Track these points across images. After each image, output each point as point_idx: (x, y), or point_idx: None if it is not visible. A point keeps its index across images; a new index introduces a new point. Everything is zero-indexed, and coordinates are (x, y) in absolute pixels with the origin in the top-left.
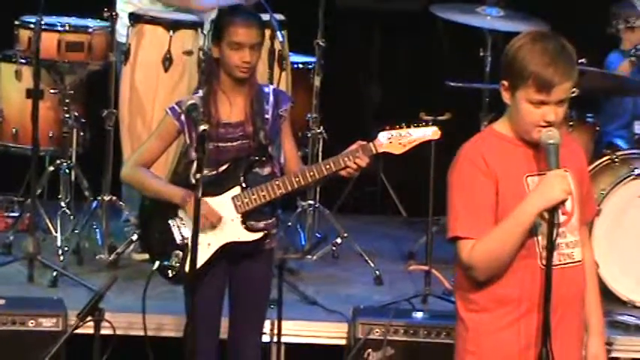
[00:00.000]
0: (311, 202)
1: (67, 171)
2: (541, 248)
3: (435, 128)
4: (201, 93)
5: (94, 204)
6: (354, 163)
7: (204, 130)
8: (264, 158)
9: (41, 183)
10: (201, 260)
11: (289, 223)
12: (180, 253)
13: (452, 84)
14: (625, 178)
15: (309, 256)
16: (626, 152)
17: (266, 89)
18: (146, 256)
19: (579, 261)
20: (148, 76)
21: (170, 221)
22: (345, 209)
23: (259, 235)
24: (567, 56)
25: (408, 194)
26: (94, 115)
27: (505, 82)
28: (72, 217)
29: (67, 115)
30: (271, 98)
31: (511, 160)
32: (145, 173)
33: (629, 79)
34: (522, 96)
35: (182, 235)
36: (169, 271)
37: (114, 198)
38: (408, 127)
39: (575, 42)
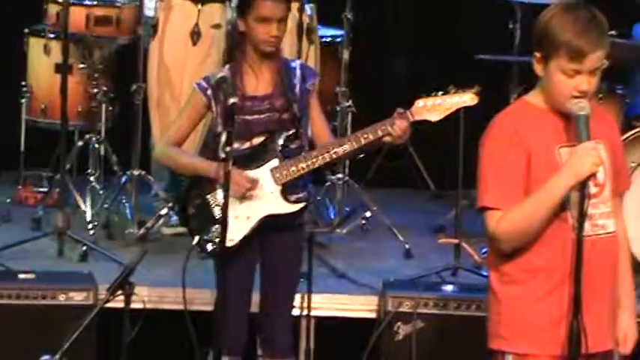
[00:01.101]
0: (340, 175)
1: (96, 146)
2: (573, 219)
3: (471, 94)
4: (228, 67)
5: (123, 178)
6: (397, 129)
7: (234, 103)
8: (301, 130)
9: (70, 158)
10: (240, 233)
11: (319, 197)
12: (220, 227)
13: (481, 57)
14: None
15: (339, 230)
16: None
17: (292, 64)
18: (176, 230)
19: (613, 232)
20: (176, 50)
21: (208, 196)
22: (375, 183)
23: (299, 206)
24: (598, 25)
25: (437, 168)
26: (123, 90)
27: (537, 54)
28: (101, 191)
29: (95, 90)
30: (298, 73)
31: (543, 131)
32: (177, 152)
33: None
34: (555, 66)
35: (221, 210)
36: (209, 245)
37: (143, 172)
38: (444, 94)
39: (604, 13)
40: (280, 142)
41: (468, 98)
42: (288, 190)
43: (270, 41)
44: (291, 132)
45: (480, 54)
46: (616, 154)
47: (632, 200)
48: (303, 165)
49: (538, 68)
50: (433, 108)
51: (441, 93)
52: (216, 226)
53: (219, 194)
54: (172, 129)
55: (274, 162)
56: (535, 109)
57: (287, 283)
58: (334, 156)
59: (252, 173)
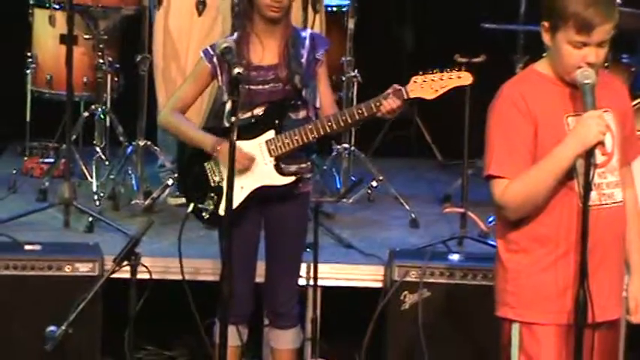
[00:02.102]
0: (346, 145)
1: (102, 116)
2: (580, 188)
3: (467, 74)
4: (235, 36)
5: (129, 149)
6: (387, 106)
7: (239, 72)
8: (299, 102)
9: (76, 129)
10: (234, 203)
11: (325, 167)
12: (215, 195)
13: (486, 26)
14: None
15: (345, 200)
16: None
17: (303, 33)
18: (181, 200)
19: (620, 201)
20: (181, 21)
21: (206, 164)
22: (381, 153)
23: (291, 179)
24: None
25: (443, 137)
26: (128, 61)
27: (545, 24)
28: (107, 162)
29: (101, 61)
30: (307, 42)
31: (551, 100)
32: (179, 119)
33: None
34: (563, 37)
35: (216, 178)
36: (204, 214)
37: (149, 143)
38: (441, 72)
39: None
40: (277, 114)
41: (464, 77)
42: (285, 160)
43: (274, 6)
44: (289, 103)
45: (485, 23)
46: (625, 122)
47: (637, 169)
48: (298, 138)
49: (546, 38)
50: (428, 86)
51: (437, 70)
52: (212, 194)
53: (217, 163)
54: (177, 95)
55: (270, 134)
56: (543, 78)
57: (291, 252)
58: (328, 130)
59: (248, 144)
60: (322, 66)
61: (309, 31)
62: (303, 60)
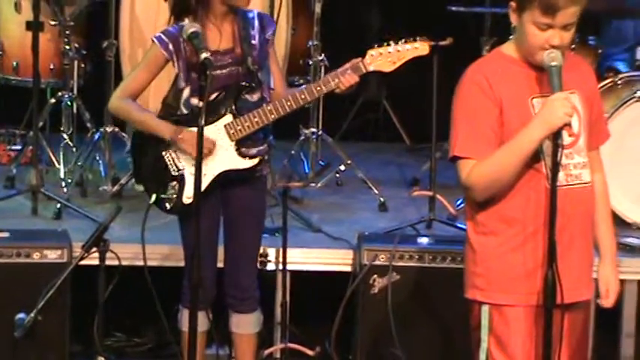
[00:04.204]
0: (314, 129)
1: (69, 103)
2: (547, 169)
3: (424, 43)
4: (187, 21)
5: (97, 135)
6: (345, 83)
7: (207, 57)
8: (253, 84)
9: (43, 116)
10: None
11: (292, 151)
12: (177, 184)
13: (453, 8)
14: (628, 101)
15: (313, 184)
16: (628, 75)
17: (250, 14)
18: None
19: (588, 182)
20: (148, 6)
21: (164, 153)
22: (349, 137)
23: (254, 161)
24: None
25: (411, 121)
26: (95, 47)
27: (513, 4)
28: (74, 149)
29: (67, 47)
30: (256, 23)
31: (517, 82)
32: (131, 105)
33: (628, 0)
34: (528, 18)
35: (177, 167)
36: (167, 204)
37: (116, 129)
38: (396, 43)
39: None
40: (233, 97)
41: (420, 47)
42: (244, 144)
43: None
44: (244, 85)
45: (452, 5)
46: (592, 105)
47: (603, 150)
48: (257, 120)
49: (513, 18)
50: (386, 59)
51: (392, 42)
52: (173, 183)
53: (176, 151)
54: (128, 80)
55: (228, 118)
56: (508, 60)
57: (251, 236)
58: (288, 109)
59: (206, 129)
60: (272, 46)
61: (255, 11)
62: (255, 41)
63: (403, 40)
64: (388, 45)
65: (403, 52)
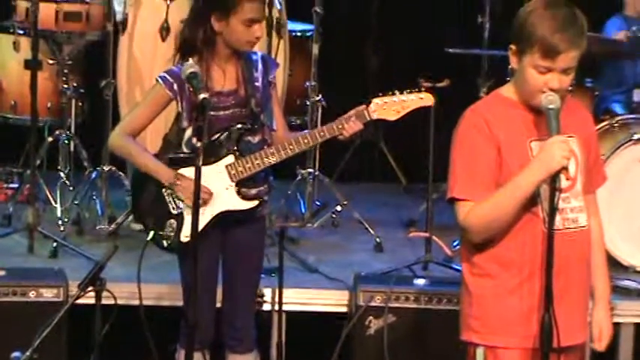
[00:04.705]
0: (310, 170)
1: (66, 141)
2: (544, 213)
3: (428, 94)
4: (191, 62)
5: (94, 174)
6: (348, 129)
7: (205, 98)
8: (255, 126)
9: (40, 154)
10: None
11: (289, 192)
12: (175, 222)
13: (451, 50)
14: (624, 143)
15: (310, 224)
16: (624, 117)
17: (254, 56)
18: None
19: (584, 226)
20: (145, 46)
21: (164, 190)
22: (345, 177)
23: (254, 203)
24: (576, 25)
25: (408, 161)
26: (93, 85)
27: (513, 46)
28: (71, 187)
29: (65, 86)
30: (260, 65)
31: (515, 124)
32: (132, 144)
33: (625, 43)
34: (528, 61)
35: (177, 205)
36: (164, 241)
37: (113, 168)
38: (401, 93)
39: (581, 8)
40: (235, 138)
41: (425, 98)
42: (245, 184)
43: (254, 42)
44: (246, 127)
45: (450, 47)
46: (590, 149)
47: (600, 193)
48: (259, 162)
49: (513, 61)
50: (390, 107)
51: (397, 92)
52: (171, 221)
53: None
54: (130, 117)
55: (230, 158)
56: (507, 102)
57: (249, 277)
58: (290, 153)
59: (208, 169)
60: (274, 88)
61: (259, 53)
62: (259, 83)
63: (408, 90)
64: (393, 94)
65: (408, 102)
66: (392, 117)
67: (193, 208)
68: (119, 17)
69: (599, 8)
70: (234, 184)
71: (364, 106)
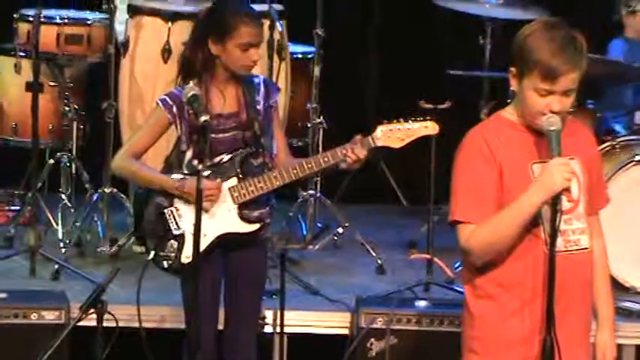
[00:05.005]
0: (312, 192)
1: (68, 164)
2: (546, 234)
3: (433, 123)
4: (192, 83)
5: (95, 196)
6: (352, 155)
7: (206, 120)
8: (259, 150)
9: (42, 176)
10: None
11: (290, 214)
12: (176, 243)
13: (452, 72)
14: (627, 164)
15: (311, 246)
16: (626, 138)
17: (256, 80)
18: None
19: (586, 248)
20: (147, 68)
21: (166, 210)
22: (346, 199)
23: (256, 226)
24: (576, 47)
25: (409, 183)
26: (94, 108)
27: (513, 69)
28: (73, 209)
29: (66, 108)
30: (262, 89)
31: (517, 146)
32: (136, 164)
33: (628, 65)
34: (529, 84)
35: (178, 225)
36: (165, 262)
37: (115, 190)
38: (407, 121)
39: (582, 29)
40: (239, 161)
41: (430, 127)
42: (247, 207)
43: (251, 65)
44: (250, 151)
45: (451, 69)
46: (592, 170)
47: (602, 214)
48: (262, 185)
49: (513, 83)
50: (395, 135)
51: (402, 119)
52: (172, 242)
53: (178, 209)
54: (132, 141)
55: (232, 181)
56: (509, 124)
57: (251, 299)
58: (294, 177)
59: None
60: (276, 111)
61: (261, 77)
62: (260, 107)
63: (413, 118)
64: (398, 122)
65: (412, 131)
66: (396, 145)
67: (196, 226)
68: (121, 39)
69: (602, 31)
70: (236, 206)
71: (369, 136)
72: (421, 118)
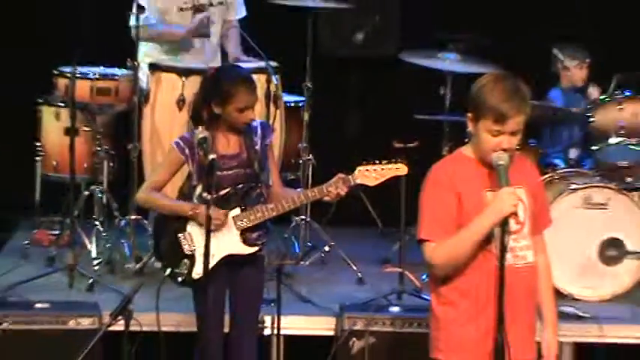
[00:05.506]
0: (303, 217)
1: (100, 195)
2: (497, 250)
3: (403, 165)
4: (201, 128)
5: (123, 222)
6: (335, 192)
7: (214, 159)
8: (258, 184)
9: (78, 205)
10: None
11: (285, 235)
12: (188, 261)
13: (418, 117)
14: (564, 192)
15: (303, 262)
16: (564, 171)
17: (254, 124)
18: None
19: (531, 262)
20: (165, 115)
21: (179, 235)
22: (332, 223)
23: (254, 249)
24: (521, 95)
25: (383, 209)
26: (121, 148)
27: (470, 114)
28: (104, 233)
29: (98, 149)
30: (259, 131)
31: (473, 178)
32: (157, 195)
33: (563, 110)
34: (482, 126)
35: (190, 247)
36: (179, 277)
37: (139, 217)
38: (381, 163)
39: (526, 80)
40: (241, 194)
41: (400, 168)
42: (247, 231)
43: (247, 122)
44: (250, 185)
45: (418, 114)
46: (537, 197)
47: (545, 233)
48: (260, 215)
49: (470, 126)
50: (371, 174)
51: (378, 161)
52: (185, 260)
53: (190, 233)
54: (152, 178)
55: (236, 211)
56: (467, 159)
57: (251, 306)
58: (287, 208)
59: None
60: (271, 150)
61: (258, 121)
62: (257, 147)
63: (387, 161)
64: (374, 164)
65: (386, 171)
66: (371, 183)
67: (205, 246)
68: (143, 91)
69: (542, 81)
70: (238, 232)
71: (350, 176)
72: (394, 161)
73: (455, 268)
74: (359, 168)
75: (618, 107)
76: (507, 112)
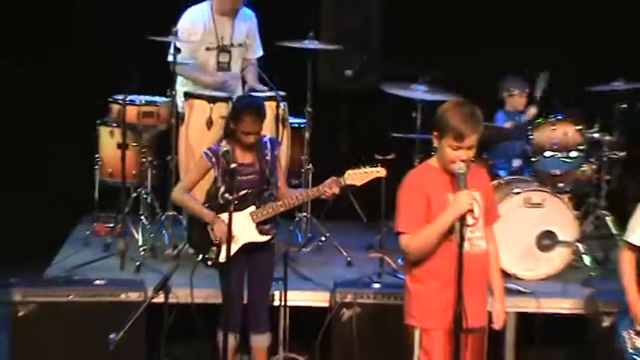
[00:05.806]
0: (305, 213)
1: (145, 196)
2: (457, 240)
3: (383, 169)
4: (224, 142)
5: (163, 217)
6: (329, 191)
7: (234, 167)
8: (269, 187)
9: (128, 204)
10: (230, 253)
11: (290, 228)
12: (215, 249)
13: (395, 135)
14: (509, 194)
15: (304, 249)
16: (508, 178)
17: (264, 139)
18: None
19: (484, 249)
20: (196, 133)
21: (208, 227)
22: (327, 217)
23: (268, 237)
24: (476, 117)
25: (368, 206)
26: (162, 160)
27: (435, 133)
28: (148, 226)
29: (144, 160)
30: (268, 145)
31: (438, 183)
32: (187, 197)
33: (504, 128)
34: (445, 142)
35: (216, 237)
36: (208, 261)
37: (175, 213)
38: (365, 167)
39: (481, 106)
40: (256, 194)
41: (381, 171)
42: (262, 224)
43: (250, 142)
44: (263, 187)
45: (394, 133)
46: (488, 197)
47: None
48: (271, 210)
49: (435, 142)
50: (357, 177)
51: (362, 166)
52: (213, 248)
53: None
54: (185, 180)
55: (252, 207)
56: (433, 169)
57: (264, 284)
58: (293, 204)
59: (238, 214)
60: (278, 160)
61: (267, 136)
62: (268, 158)
63: (370, 165)
64: (360, 168)
65: (369, 174)
66: (358, 183)
67: (227, 241)
68: (179, 113)
69: (490, 105)
70: (255, 224)
71: (340, 178)
72: (375, 165)
73: (424, 254)
74: (348, 172)
75: (552, 128)
76: (465, 131)
